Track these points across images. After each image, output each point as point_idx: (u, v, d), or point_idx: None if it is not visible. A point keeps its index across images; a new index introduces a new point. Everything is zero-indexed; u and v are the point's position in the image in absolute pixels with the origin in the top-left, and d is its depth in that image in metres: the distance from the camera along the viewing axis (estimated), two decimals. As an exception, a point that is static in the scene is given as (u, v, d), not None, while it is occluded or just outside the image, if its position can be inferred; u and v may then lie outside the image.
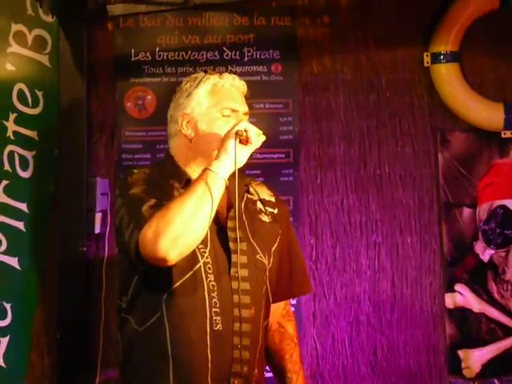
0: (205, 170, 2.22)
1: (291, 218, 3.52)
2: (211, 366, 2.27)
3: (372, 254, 3.66)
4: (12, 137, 3.52)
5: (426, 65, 3.67)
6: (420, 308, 3.65)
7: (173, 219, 2.12)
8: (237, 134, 2.22)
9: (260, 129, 2.29)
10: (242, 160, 2.26)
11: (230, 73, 2.52)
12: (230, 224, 2.37)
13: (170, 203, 2.17)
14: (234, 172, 2.24)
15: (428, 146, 3.69)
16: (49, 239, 3.57)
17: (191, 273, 2.28)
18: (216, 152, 2.26)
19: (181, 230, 2.12)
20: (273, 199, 2.59)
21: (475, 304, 3.66)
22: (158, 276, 2.26)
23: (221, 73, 2.49)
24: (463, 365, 3.65)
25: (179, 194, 2.28)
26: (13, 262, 3.49)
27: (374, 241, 3.66)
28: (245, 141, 2.23)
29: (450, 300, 3.66)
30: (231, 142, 2.22)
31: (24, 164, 3.53)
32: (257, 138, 2.26)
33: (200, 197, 2.16)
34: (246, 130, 2.23)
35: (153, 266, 2.19)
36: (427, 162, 3.69)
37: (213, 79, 2.44)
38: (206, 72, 2.50)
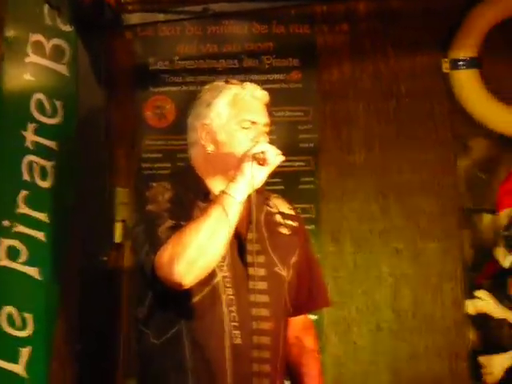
0: (221, 193, 2.20)
1: (313, 226, 3.57)
2: (230, 381, 2.27)
3: (393, 261, 3.65)
4: (31, 147, 3.50)
5: (445, 71, 3.67)
6: (441, 314, 3.64)
7: (188, 244, 2.11)
8: (254, 156, 2.21)
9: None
10: (260, 181, 2.25)
11: (249, 81, 2.50)
12: (249, 236, 2.36)
13: (187, 227, 2.16)
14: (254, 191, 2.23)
15: (448, 152, 3.69)
16: (69, 249, 3.55)
17: (210, 287, 2.27)
18: (232, 172, 2.25)
19: (196, 255, 2.11)
20: (292, 212, 2.58)
21: (496, 310, 3.65)
22: (175, 292, 2.23)
23: (242, 82, 2.46)
24: (485, 371, 3.64)
25: (198, 211, 2.27)
26: (33, 272, 3.47)
27: (395, 247, 3.65)
28: (263, 162, 2.22)
29: (471, 306, 3.65)
30: (248, 166, 2.20)
31: (43, 174, 3.51)
32: (275, 158, 2.24)
33: (216, 221, 2.15)
34: (263, 152, 2.21)
35: (168, 287, 2.18)
36: (448, 169, 3.68)
37: (234, 89, 2.41)
38: (227, 82, 2.46)
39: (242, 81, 2.48)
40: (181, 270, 2.10)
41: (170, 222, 2.21)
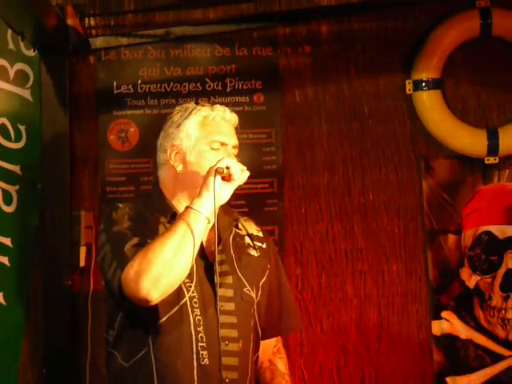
0: (187, 209, 2.22)
1: (277, 248, 3.56)
2: (199, 402, 2.26)
3: (358, 282, 3.65)
4: (-5, 171, 3.52)
5: (408, 92, 3.67)
6: (407, 336, 3.64)
7: (154, 259, 2.12)
8: (217, 171, 2.22)
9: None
10: (226, 196, 2.27)
11: (212, 104, 2.52)
12: (217, 258, 2.35)
13: (152, 243, 2.17)
14: (216, 208, 2.23)
15: (412, 173, 3.69)
16: (34, 274, 3.55)
17: (177, 308, 2.28)
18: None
19: (162, 270, 2.12)
20: (260, 234, 2.60)
21: (462, 331, 3.64)
22: (143, 311, 2.25)
23: (212, 104, 2.48)
24: (451, 392, 3.64)
25: (165, 230, 2.27)
26: (-2, 297, 3.48)
27: (359, 269, 3.65)
28: (228, 177, 2.23)
29: (437, 327, 3.64)
30: (211, 179, 2.21)
31: (7, 198, 3.52)
32: (240, 173, 2.25)
33: (181, 237, 2.16)
34: (227, 167, 2.23)
35: (135, 304, 2.18)
36: (411, 190, 3.68)
37: (203, 111, 2.43)
38: (197, 103, 2.49)
39: (214, 104, 2.51)
40: (147, 285, 2.11)
41: (135, 240, 2.23)
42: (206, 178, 2.25)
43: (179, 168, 2.40)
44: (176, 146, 2.41)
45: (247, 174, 2.29)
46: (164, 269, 2.12)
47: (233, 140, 2.44)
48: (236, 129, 2.48)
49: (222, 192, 2.24)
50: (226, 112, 2.46)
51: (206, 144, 2.39)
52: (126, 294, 2.17)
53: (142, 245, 2.20)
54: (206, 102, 2.52)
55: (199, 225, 2.19)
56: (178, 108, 2.50)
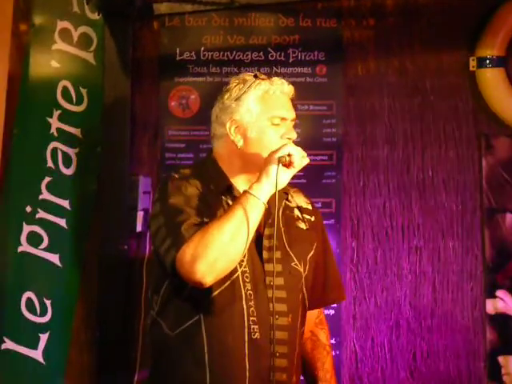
0: (245, 193, 2.20)
1: (333, 220, 3.56)
2: (249, 375, 2.26)
3: (413, 258, 3.64)
4: (55, 134, 3.53)
5: (471, 69, 3.65)
6: (460, 313, 3.63)
7: (211, 244, 2.11)
8: (279, 160, 2.20)
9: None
10: (284, 182, 2.25)
11: (274, 74, 2.50)
12: (266, 232, 2.35)
13: (209, 226, 2.15)
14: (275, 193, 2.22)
15: (472, 150, 3.68)
16: (90, 237, 3.57)
17: (229, 282, 2.27)
18: (257, 172, 2.25)
19: (218, 255, 2.11)
20: (310, 207, 2.57)
21: (516, 310, 3.64)
22: (195, 287, 2.22)
23: (269, 77, 2.44)
24: (503, 371, 3.62)
25: (222, 208, 2.27)
26: (54, 258, 3.50)
27: (415, 245, 3.65)
28: (288, 164, 2.22)
29: (491, 306, 3.63)
30: (273, 168, 2.20)
31: (67, 161, 3.54)
32: (300, 160, 2.24)
33: (239, 222, 2.15)
34: (289, 155, 2.21)
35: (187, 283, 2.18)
36: (471, 167, 3.67)
37: (263, 85, 2.38)
38: (255, 76, 2.42)
39: (268, 73, 2.49)
40: (202, 269, 2.10)
41: (193, 219, 2.20)
42: (266, 164, 2.22)
43: (240, 143, 2.36)
44: (236, 120, 2.37)
45: (307, 160, 2.27)
46: (220, 253, 2.11)
47: (292, 114, 2.40)
48: (292, 100, 2.44)
49: (281, 178, 2.22)
50: (284, 85, 2.42)
51: (267, 119, 2.35)
52: (180, 274, 2.15)
53: (198, 225, 2.18)
54: (264, 75, 2.45)
55: (256, 211, 2.17)
56: (235, 80, 2.45)
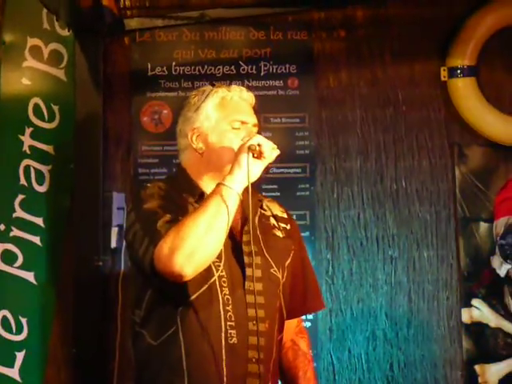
0: (218, 185, 2.21)
1: (308, 233, 3.56)
2: (226, 380, 2.26)
3: (388, 268, 3.65)
4: (28, 151, 3.52)
5: (443, 79, 3.66)
6: (437, 323, 3.64)
7: (188, 235, 2.12)
8: (250, 148, 2.22)
9: (276, 143, 2.28)
10: (256, 174, 2.25)
11: (246, 87, 2.51)
12: (244, 238, 2.36)
13: (185, 219, 2.17)
14: (248, 186, 2.23)
15: (445, 160, 3.68)
16: (65, 254, 3.56)
17: (206, 286, 2.27)
18: (229, 166, 2.26)
19: (196, 246, 2.12)
20: (285, 215, 2.58)
21: (492, 319, 3.64)
22: (173, 290, 2.24)
23: (228, 85, 2.47)
24: (480, 380, 3.63)
25: (194, 209, 2.27)
26: (29, 276, 3.49)
27: (390, 255, 3.65)
28: (258, 155, 2.23)
29: (467, 315, 3.64)
30: (244, 157, 2.21)
31: (40, 178, 3.53)
32: (270, 151, 2.25)
33: (214, 212, 2.16)
34: (259, 145, 2.22)
35: (168, 281, 2.18)
36: (444, 177, 3.68)
37: (221, 92, 2.43)
38: (213, 85, 2.48)
39: (231, 85, 2.49)
40: (180, 261, 2.10)
41: (167, 216, 2.21)
42: (237, 155, 2.24)
43: (202, 150, 2.39)
44: (197, 128, 2.40)
45: (277, 152, 2.28)
46: (197, 244, 2.12)
47: (252, 118, 2.43)
48: (254, 108, 2.46)
49: (253, 169, 2.23)
50: (243, 92, 2.45)
51: (227, 124, 2.38)
52: (158, 270, 2.15)
53: (174, 221, 2.19)
54: (222, 84, 2.50)
55: (231, 201, 2.18)
56: (194, 92, 2.49)
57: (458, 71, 3.62)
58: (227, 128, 2.38)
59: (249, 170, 2.20)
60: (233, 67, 3.66)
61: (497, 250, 3.66)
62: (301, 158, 3.64)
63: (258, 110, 2.47)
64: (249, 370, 2.29)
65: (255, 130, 2.42)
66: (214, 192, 2.21)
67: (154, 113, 3.65)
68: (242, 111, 2.41)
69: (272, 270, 2.40)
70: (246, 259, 2.33)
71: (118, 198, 3.57)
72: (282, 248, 2.48)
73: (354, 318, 3.63)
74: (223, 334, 2.27)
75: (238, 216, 2.33)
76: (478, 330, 3.64)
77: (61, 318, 3.56)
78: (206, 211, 2.16)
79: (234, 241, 2.35)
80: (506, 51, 3.68)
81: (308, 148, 3.65)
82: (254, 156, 2.22)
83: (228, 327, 2.28)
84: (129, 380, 3.46)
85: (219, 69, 3.66)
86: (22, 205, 3.49)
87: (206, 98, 2.42)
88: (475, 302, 3.65)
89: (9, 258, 3.47)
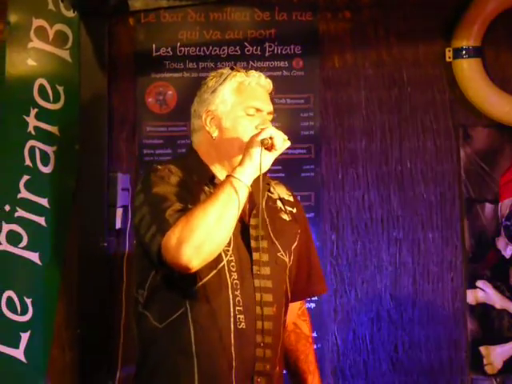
0: (228, 177, 2.20)
1: (313, 214, 3.56)
2: (235, 364, 2.26)
3: (393, 249, 3.65)
4: (33, 132, 3.52)
5: (447, 60, 3.66)
6: (441, 304, 3.64)
7: (196, 227, 2.11)
8: (262, 142, 2.21)
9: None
10: (266, 166, 2.25)
11: (251, 68, 2.50)
12: (252, 222, 2.36)
13: (194, 209, 2.15)
14: (258, 177, 2.23)
15: (450, 141, 3.69)
16: (70, 234, 3.56)
17: (215, 271, 2.27)
18: (239, 156, 2.26)
19: (204, 238, 2.11)
20: (291, 199, 2.58)
21: (497, 300, 3.64)
22: (181, 275, 2.22)
23: (247, 70, 2.45)
24: (485, 361, 3.63)
25: (205, 197, 2.27)
26: (34, 257, 3.49)
27: (395, 236, 3.66)
28: (270, 147, 2.22)
29: (472, 296, 3.64)
30: (256, 150, 2.20)
31: (45, 159, 3.53)
32: (282, 143, 2.24)
33: (224, 204, 2.15)
34: (271, 138, 2.21)
35: (174, 270, 2.18)
36: (449, 158, 3.68)
37: (239, 77, 2.41)
38: (232, 69, 2.45)
39: (245, 68, 2.48)
40: (188, 253, 2.09)
41: (177, 205, 2.20)
42: (248, 147, 2.23)
43: (215, 134, 2.38)
44: (211, 111, 2.39)
45: (288, 143, 2.27)
46: (206, 237, 2.11)
47: (268, 106, 2.41)
48: (271, 94, 2.45)
49: (264, 162, 2.22)
50: (261, 78, 2.43)
51: (242, 110, 2.36)
52: (166, 260, 2.14)
53: (183, 211, 2.18)
54: (241, 68, 2.48)
55: (241, 193, 2.18)
56: (212, 74, 2.47)
57: (463, 52, 3.61)
58: (242, 114, 2.36)
59: (261, 164, 2.20)
60: (238, 48, 3.66)
61: (502, 231, 3.65)
62: (306, 139, 3.64)
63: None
64: (257, 354, 2.29)
65: (270, 117, 2.40)
66: (223, 184, 2.20)
67: (158, 94, 3.66)
68: (259, 98, 2.39)
69: (279, 254, 2.40)
70: (253, 243, 2.33)
71: (122, 179, 3.57)
72: (288, 232, 2.48)
73: (359, 299, 3.63)
74: (232, 319, 2.27)
75: (246, 199, 2.32)
76: (482, 311, 3.64)
77: (65, 298, 3.56)
78: (216, 203, 2.15)
79: (243, 224, 2.34)
80: (511, 32, 3.66)
81: (313, 129, 3.66)
82: (265, 148, 2.22)
83: (237, 312, 2.27)
84: (133, 361, 3.46)
85: (224, 50, 3.66)
86: (27, 185, 3.49)
87: (223, 81, 2.40)
88: (480, 283, 3.65)
89: (14, 238, 3.47)
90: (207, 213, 2.13)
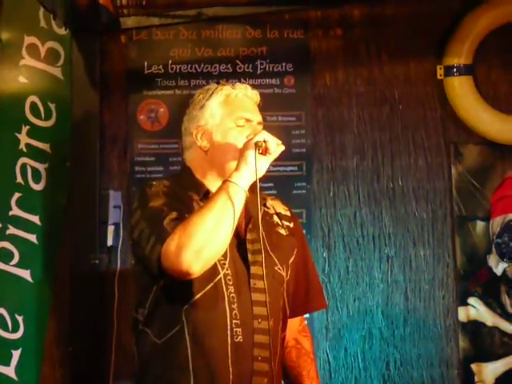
0: (225, 182, 2.21)
1: (304, 231, 3.55)
2: (233, 378, 2.26)
3: (385, 267, 3.65)
4: (25, 149, 3.52)
5: (439, 78, 3.67)
6: (433, 321, 3.64)
7: (195, 232, 2.12)
8: (256, 144, 2.22)
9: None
10: (262, 170, 2.25)
11: (234, 83, 2.51)
12: (249, 236, 2.37)
13: (192, 216, 2.17)
14: (254, 183, 2.23)
15: (441, 158, 3.69)
16: (61, 251, 3.56)
17: (212, 284, 2.27)
18: (233, 164, 2.27)
19: (203, 243, 2.12)
20: (288, 213, 2.59)
21: (488, 317, 3.65)
22: (178, 288, 2.24)
23: (233, 83, 2.48)
24: (476, 378, 3.63)
25: (199, 207, 2.27)
26: (25, 274, 3.48)
27: (386, 254, 3.66)
28: (264, 151, 2.23)
29: (463, 313, 3.64)
30: (251, 153, 2.21)
31: (36, 176, 3.53)
32: (276, 147, 2.26)
33: (221, 208, 2.16)
34: (265, 141, 2.22)
35: (175, 279, 2.18)
36: (440, 175, 3.68)
37: (225, 90, 2.43)
38: (218, 83, 2.49)
39: (235, 83, 2.49)
40: (188, 258, 2.10)
41: (173, 214, 2.21)
42: (243, 151, 2.24)
43: (206, 148, 2.40)
44: (201, 126, 2.41)
45: (282, 147, 2.28)
46: (205, 241, 2.12)
47: (257, 116, 2.43)
48: (259, 106, 2.47)
49: (259, 166, 2.23)
50: (248, 89, 2.46)
51: (231, 121, 2.38)
52: (166, 267, 2.15)
53: (180, 219, 2.19)
54: (227, 82, 2.50)
55: (238, 197, 2.18)
56: (199, 91, 2.50)
57: (455, 70, 3.62)
58: (232, 126, 2.38)
59: (256, 166, 2.20)
60: (229, 65, 3.67)
61: (493, 248, 3.66)
62: (297, 157, 3.65)
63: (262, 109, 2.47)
64: (254, 368, 2.29)
65: (260, 127, 2.41)
66: (220, 189, 2.21)
67: (150, 111, 3.66)
68: (247, 109, 2.41)
69: (276, 268, 2.41)
70: (251, 257, 2.34)
71: (114, 196, 3.58)
72: (285, 246, 2.49)
73: (351, 317, 3.63)
74: (229, 332, 2.27)
75: (242, 214, 2.32)
76: (474, 328, 3.64)
77: (57, 316, 3.56)
78: (214, 208, 2.16)
79: (239, 238, 2.35)
80: (502, 50, 3.69)
81: (304, 146, 3.66)
82: (259, 152, 2.22)
83: (234, 325, 2.28)
84: (124, 378, 3.47)
85: (216, 67, 3.66)
86: (19, 203, 3.48)
87: (210, 95, 2.43)
88: (472, 300, 3.65)
89: (5, 256, 3.46)
90: (205, 218, 2.14)
